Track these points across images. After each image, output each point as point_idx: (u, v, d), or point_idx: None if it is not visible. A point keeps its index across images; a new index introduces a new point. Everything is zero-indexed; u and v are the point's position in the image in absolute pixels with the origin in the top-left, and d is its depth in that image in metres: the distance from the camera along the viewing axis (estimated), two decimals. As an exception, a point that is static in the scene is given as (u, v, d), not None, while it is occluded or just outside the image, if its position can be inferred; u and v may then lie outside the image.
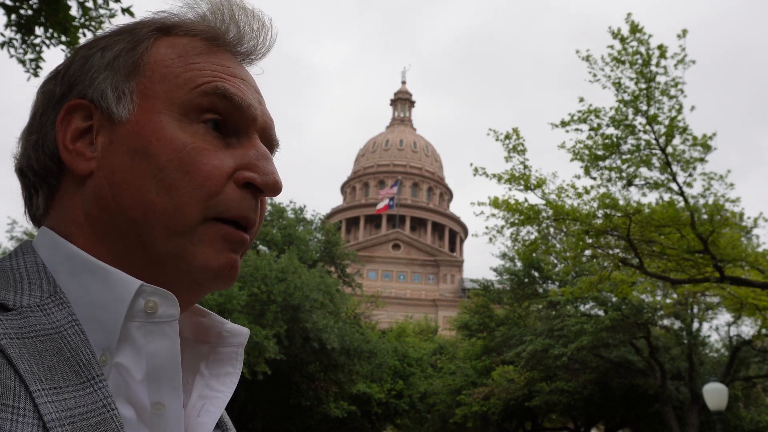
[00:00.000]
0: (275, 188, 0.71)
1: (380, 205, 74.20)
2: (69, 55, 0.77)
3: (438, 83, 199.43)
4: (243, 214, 0.69)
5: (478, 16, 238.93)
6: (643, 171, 12.10)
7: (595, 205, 12.47)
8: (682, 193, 11.81)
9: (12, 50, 5.96)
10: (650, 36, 10.95)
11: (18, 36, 5.96)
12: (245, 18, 0.75)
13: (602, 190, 12.41)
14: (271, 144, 0.76)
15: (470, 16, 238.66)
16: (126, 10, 5.89)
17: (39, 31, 5.95)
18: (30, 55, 6.04)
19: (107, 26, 0.78)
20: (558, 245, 14.11)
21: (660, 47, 10.95)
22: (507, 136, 12.52)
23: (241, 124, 0.71)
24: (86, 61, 0.72)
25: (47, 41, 5.97)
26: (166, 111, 0.68)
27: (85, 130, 0.70)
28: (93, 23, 5.92)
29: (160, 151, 0.67)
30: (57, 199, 0.71)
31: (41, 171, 0.71)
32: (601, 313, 24.17)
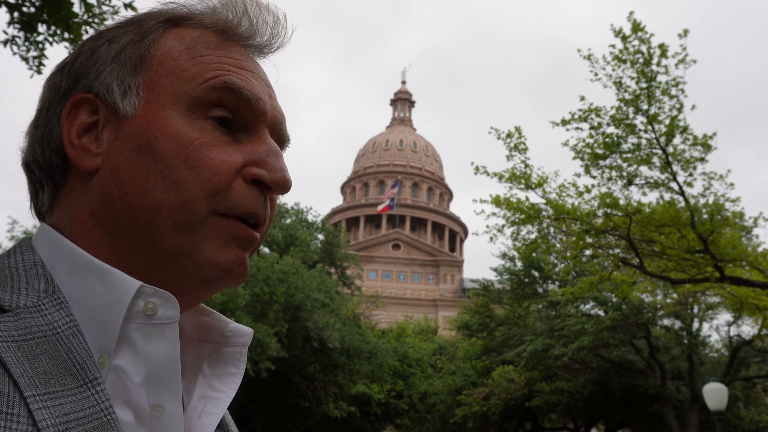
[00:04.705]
0: (284, 185, 0.69)
1: (381, 206, 74.21)
2: (75, 48, 0.75)
3: (427, 88, 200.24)
4: (251, 210, 0.68)
5: (446, 31, 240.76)
6: (644, 170, 12.12)
7: (596, 204, 12.49)
8: (682, 193, 11.82)
9: (15, 48, 5.97)
10: (651, 35, 10.97)
11: (21, 33, 5.96)
12: (258, 12, 0.73)
13: (603, 189, 12.43)
14: (282, 139, 0.75)
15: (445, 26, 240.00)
16: (129, 6, 5.88)
17: (42, 28, 5.95)
18: (33, 53, 6.04)
19: (110, 23, 0.76)
20: (558, 245, 14.12)
21: (661, 46, 10.95)
22: (509, 135, 12.55)
23: (251, 118, 0.70)
24: (93, 53, 0.71)
25: (50, 38, 5.96)
26: (173, 106, 0.67)
27: (91, 125, 0.68)
28: (96, 20, 5.92)
29: (166, 147, 0.65)
30: (62, 195, 0.70)
31: (47, 166, 0.70)
32: (601, 313, 24.19)
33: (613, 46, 11.27)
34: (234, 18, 0.72)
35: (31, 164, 0.71)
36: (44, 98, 0.72)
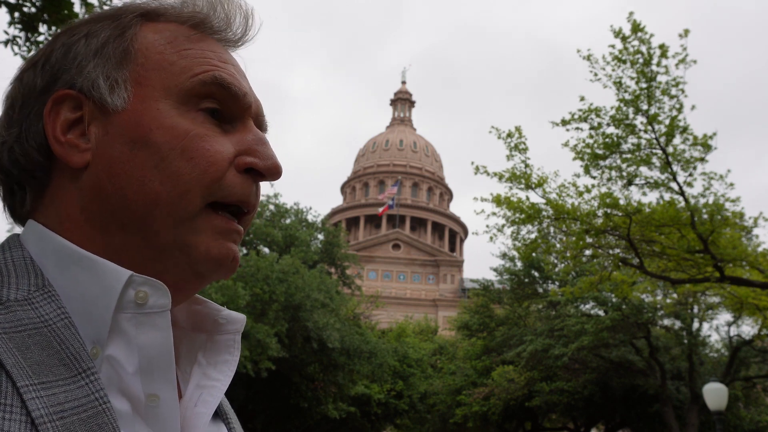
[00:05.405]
0: (276, 172, 0.71)
1: (382, 208, 74.23)
2: (44, 45, 0.74)
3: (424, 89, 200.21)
4: (244, 198, 0.69)
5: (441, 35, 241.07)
6: (644, 170, 12.14)
7: (596, 204, 12.50)
8: (682, 193, 11.83)
9: (16, 48, 5.98)
10: (651, 35, 10.98)
11: (21, 34, 5.97)
12: (229, 6, 0.75)
13: (603, 189, 12.44)
14: (262, 128, 0.77)
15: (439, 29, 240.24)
16: None
17: (42, 28, 5.96)
18: (34, 53, 6.05)
19: (77, 20, 0.77)
20: (558, 245, 14.13)
21: (661, 46, 10.96)
22: (509, 134, 12.57)
23: (237, 111, 0.71)
24: (69, 49, 0.70)
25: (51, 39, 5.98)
26: (164, 99, 0.67)
27: (75, 121, 0.68)
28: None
29: (161, 140, 0.65)
30: (48, 194, 0.69)
31: (28, 165, 0.68)
32: (601, 313, 24.19)
33: (613, 46, 11.28)
34: (208, 12, 0.74)
35: (6, 164, 0.69)
36: (15, 96, 0.71)
